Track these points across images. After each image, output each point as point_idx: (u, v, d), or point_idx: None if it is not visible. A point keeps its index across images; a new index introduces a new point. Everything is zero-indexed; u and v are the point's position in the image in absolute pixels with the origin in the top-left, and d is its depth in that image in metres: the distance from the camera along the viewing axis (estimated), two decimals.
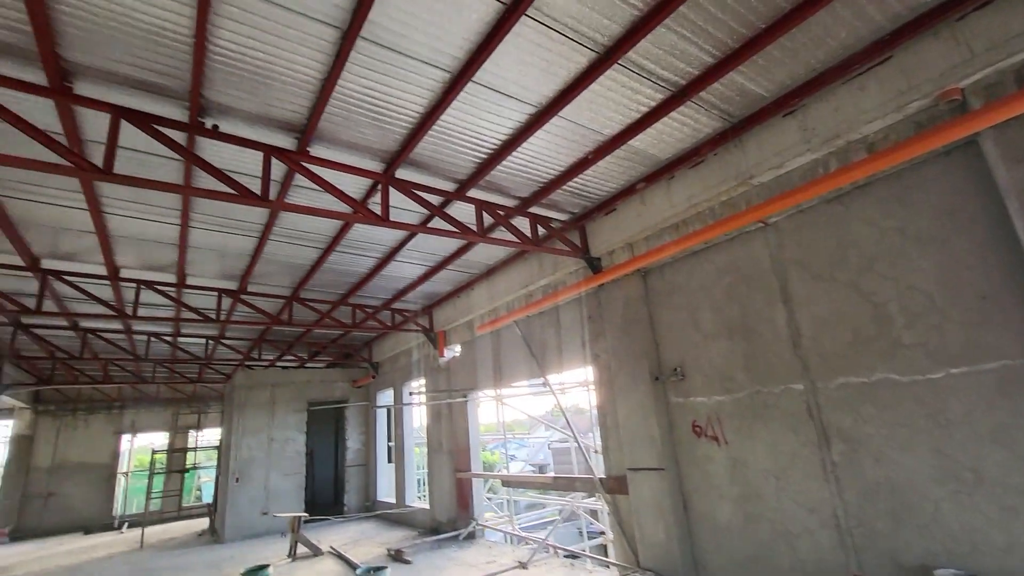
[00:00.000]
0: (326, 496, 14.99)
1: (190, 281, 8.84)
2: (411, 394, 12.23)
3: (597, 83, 4.52)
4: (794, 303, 5.02)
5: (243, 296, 9.34)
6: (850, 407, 4.56)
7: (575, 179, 6.17)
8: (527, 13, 3.72)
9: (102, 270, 8.04)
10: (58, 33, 3.65)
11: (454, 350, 11.10)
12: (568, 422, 7.66)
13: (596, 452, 8.37)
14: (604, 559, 7.01)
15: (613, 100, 4.79)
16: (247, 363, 15.48)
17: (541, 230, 7.13)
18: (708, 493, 5.53)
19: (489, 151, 5.52)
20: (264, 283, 9.29)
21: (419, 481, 13.68)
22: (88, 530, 16.50)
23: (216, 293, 9.15)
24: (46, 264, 7.69)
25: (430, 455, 11.26)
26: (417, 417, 13.57)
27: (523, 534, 10.29)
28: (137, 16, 3.55)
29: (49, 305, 9.23)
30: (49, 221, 6.42)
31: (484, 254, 8.58)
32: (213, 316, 9.38)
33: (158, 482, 14.59)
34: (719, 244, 5.76)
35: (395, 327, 11.24)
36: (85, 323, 10.97)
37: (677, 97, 4.74)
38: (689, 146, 5.62)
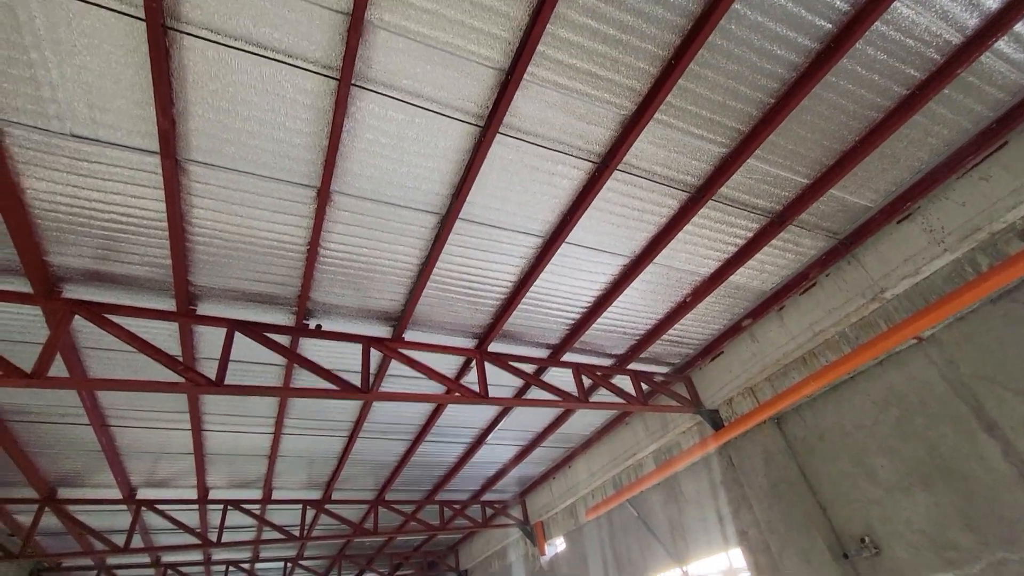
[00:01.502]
0: None
1: (276, 495, 8.44)
2: None
3: (691, 223, 4.43)
4: (1004, 430, 3.97)
5: (327, 506, 8.73)
6: None
7: (674, 327, 5.77)
8: (618, 168, 3.81)
9: (193, 494, 7.84)
10: (191, 262, 3.99)
11: (556, 545, 9.58)
12: None
13: None
14: None
15: (708, 237, 4.63)
16: None
17: (644, 387, 6.52)
18: None
19: (582, 311, 5.33)
20: (349, 487, 8.73)
21: None
22: None
23: (300, 506, 8.62)
24: (141, 494, 7.59)
25: None
26: None
27: None
28: (261, 235, 3.87)
29: (136, 540, 8.91)
30: (152, 447, 6.46)
31: (580, 424, 7.86)
32: (296, 533, 8.67)
33: None
34: (866, 372, 4.94)
35: (486, 523, 9.99)
36: (167, 557, 10.44)
37: (775, 224, 4.53)
38: (794, 272, 5.24)
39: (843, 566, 4.71)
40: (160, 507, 7.61)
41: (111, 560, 10.11)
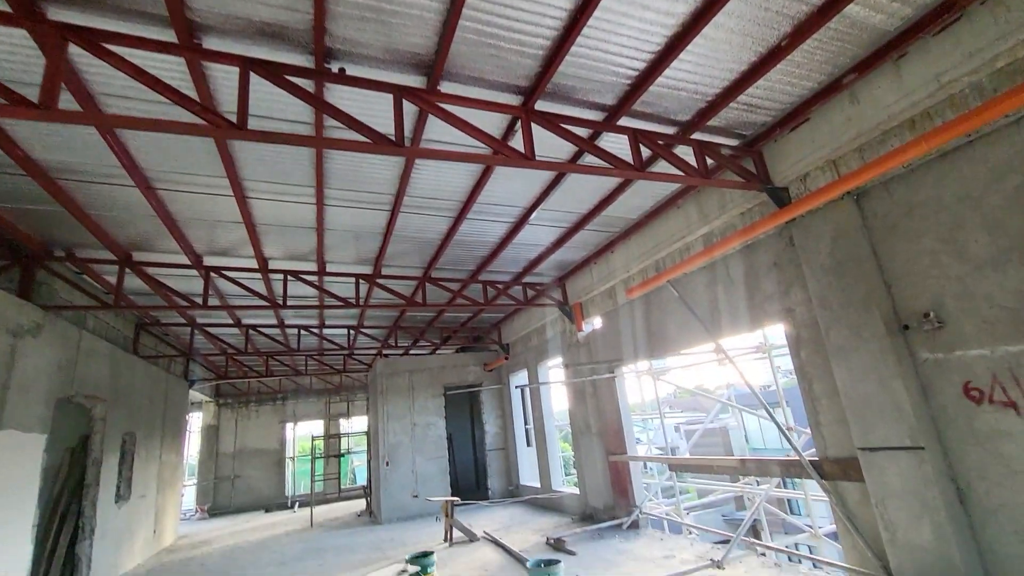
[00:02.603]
0: (468, 480, 14.99)
1: (330, 268, 8.92)
2: (568, 367, 11.51)
3: None
4: None
5: (378, 280, 9.26)
6: None
7: (756, 84, 4.82)
8: None
9: (253, 263, 8.33)
10: None
11: (593, 323, 10.16)
12: (757, 395, 6.33)
13: (789, 429, 6.95)
14: (829, 561, 5.63)
15: None
16: (384, 352, 16.03)
17: (708, 161, 5.84)
18: (1006, 481, 3.96)
19: (647, 58, 4.43)
20: (396, 264, 9.12)
21: (563, 464, 13.03)
22: (268, 509, 18.42)
23: (353, 279, 9.16)
24: (208, 261, 8.12)
25: (576, 438, 10.48)
26: (556, 399, 12.93)
27: (701, 526, 9.10)
28: None
29: (214, 302, 9.93)
30: (203, 214, 6.59)
31: (627, 207, 7.48)
32: (353, 301, 9.39)
33: (319, 466, 15.68)
34: (992, 134, 4.07)
35: (527, 302, 10.58)
36: (246, 319, 11.84)
37: None
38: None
39: (895, 339, 4.59)
40: (227, 273, 8.21)
41: (201, 319, 11.58)
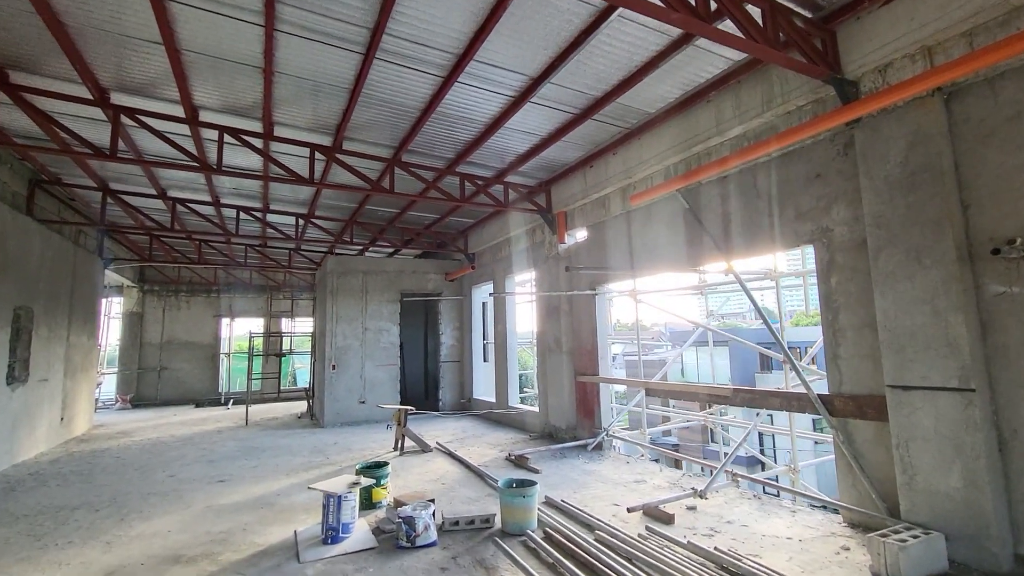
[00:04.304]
0: (416, 390, 14.43)
1: (279, 132, 7.35)
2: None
3: None
4: None
5: (338, 155, 7.78)
6: None
7: None
8: None
9: (180, 111, 6.64)
10: None
11: (576, 236, 9.26)
12: (768, 324, 5.74)
13: (801, 364, 6.49)
14: (827, 499, 5.35)
15: None
16: (336, 250, 14.64)
17: (780, 35, 4.73)
18: None
19: None
20: (362, 139, 7.66)
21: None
22: (198, 403, 17.34)
23: (308, 149, 7.64)
24: (116, 99, 6.37)
25: (542, 355, 9.89)
26: (520, 316, 12.22)
27: (669, 452, 8.91)
28: None
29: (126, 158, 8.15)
30: (107, 21, 4.89)
31: (650, 95, 6.32)
32: (307, 178, 7.91)
33: (257, 364, 14.61)
34: None
35: (507, 205, 9.47)
36: (173, 191, 10.07)
37: None
38: None
39: (963, 267, 3.94)
40: (144, 120, 6.51)
41: (115, 185, 9.72)
